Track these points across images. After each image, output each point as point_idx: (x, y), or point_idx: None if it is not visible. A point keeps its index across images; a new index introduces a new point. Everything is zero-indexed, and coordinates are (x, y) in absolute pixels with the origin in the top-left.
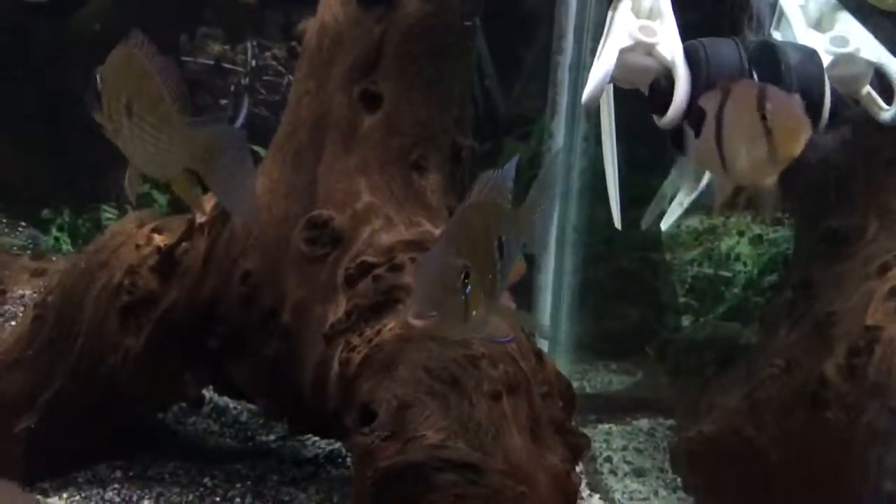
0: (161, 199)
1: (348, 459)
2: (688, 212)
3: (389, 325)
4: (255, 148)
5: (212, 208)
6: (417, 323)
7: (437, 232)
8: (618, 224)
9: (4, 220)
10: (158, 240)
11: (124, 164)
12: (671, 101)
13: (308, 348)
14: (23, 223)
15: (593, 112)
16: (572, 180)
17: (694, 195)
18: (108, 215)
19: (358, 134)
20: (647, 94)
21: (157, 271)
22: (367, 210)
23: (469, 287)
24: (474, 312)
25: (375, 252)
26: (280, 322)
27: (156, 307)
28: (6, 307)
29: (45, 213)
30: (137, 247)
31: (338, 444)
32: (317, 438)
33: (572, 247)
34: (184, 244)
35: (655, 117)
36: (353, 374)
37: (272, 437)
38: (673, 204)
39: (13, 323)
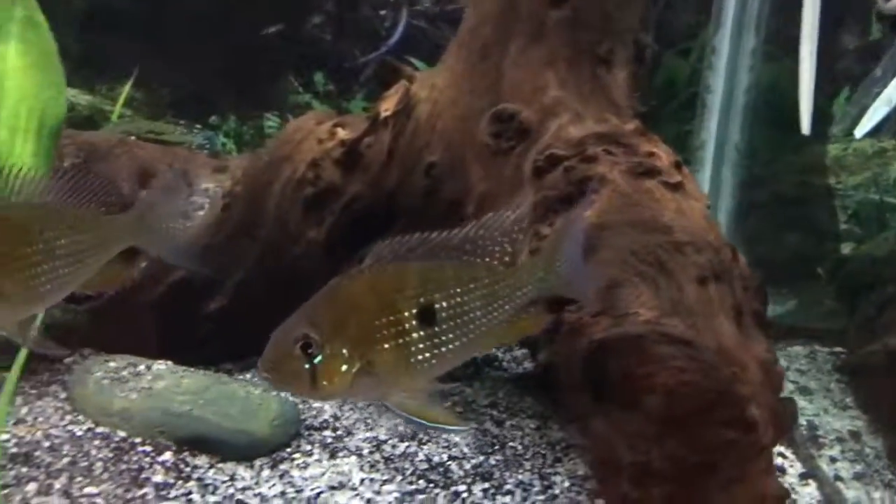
0: (320, 108)
1: (505, 363)
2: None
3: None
4: (413, 60)
5: (396, 102)
6: (264, 377)
7: (628, 128)
8: (805, 129)
9: (182, 122)
10: (342, 134)
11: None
12: None
13: None
14: (198, 125)
15: (763, 24)
16: (736, 98)
17: None
18: (271, 123)
19: (545, 27)
20: None
21: (341, 164)
22: (555, 104)
23: (320, 357)
24: (327, 383)
25: (565, 145)
26: (464, 214)
27: (338, 199)
28: (194, 199)
29: (213, 119)
30: (320, 141)
31: (493, 350)
32: None
33: (731, 168)
34: (367, 138)
35: (880, 1)
36: None
37: None
38: (879, 100)
39: (200, 213)
